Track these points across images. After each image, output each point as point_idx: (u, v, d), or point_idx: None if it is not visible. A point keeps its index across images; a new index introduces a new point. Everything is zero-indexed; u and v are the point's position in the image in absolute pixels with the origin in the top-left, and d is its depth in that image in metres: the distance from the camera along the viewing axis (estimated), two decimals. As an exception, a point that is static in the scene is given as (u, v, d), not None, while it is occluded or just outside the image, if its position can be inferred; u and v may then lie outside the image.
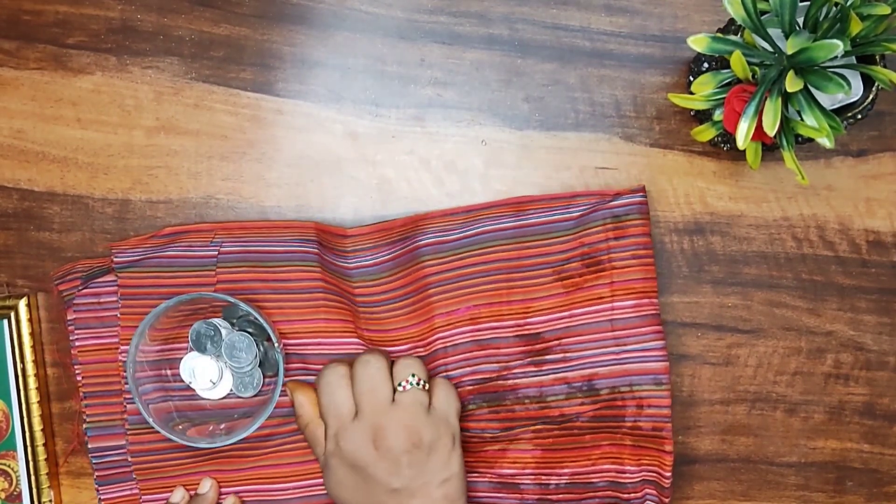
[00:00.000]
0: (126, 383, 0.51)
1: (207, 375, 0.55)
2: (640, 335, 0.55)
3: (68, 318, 0.55)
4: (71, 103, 0.57)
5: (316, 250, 0.55)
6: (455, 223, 0.56)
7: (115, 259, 0.55)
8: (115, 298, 0.55)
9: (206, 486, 0.55)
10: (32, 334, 0.57)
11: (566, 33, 0.58)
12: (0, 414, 0.57)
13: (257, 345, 0.54)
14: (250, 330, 0.55)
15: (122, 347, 0.55)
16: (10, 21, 0.57)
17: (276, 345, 0.52)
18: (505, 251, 0.55)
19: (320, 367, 0.54)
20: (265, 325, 0.52)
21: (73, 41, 0.57)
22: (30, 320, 0.57)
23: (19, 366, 0.56)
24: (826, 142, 0.47)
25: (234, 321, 0.55)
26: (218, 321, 0.55)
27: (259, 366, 0.55)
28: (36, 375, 0.56)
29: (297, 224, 0.56)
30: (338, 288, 0.56)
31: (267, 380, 0.56)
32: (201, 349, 0.55)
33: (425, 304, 0.56)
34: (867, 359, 0.59)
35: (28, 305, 0.57)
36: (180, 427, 0.53)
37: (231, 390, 0.56)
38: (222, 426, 0.54)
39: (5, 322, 0.56)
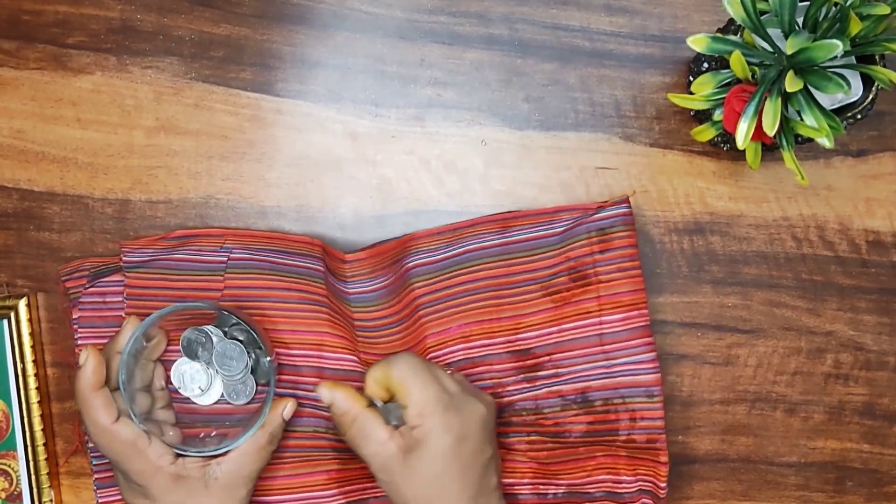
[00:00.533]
0: (118, 385, 0.50)
1: (196, 382, 0.54)
2: (630, 348, 0.54)
3: (73, 316, 0.55)
4: (71, 103, 0.57)
5: (322, 269, 0.56)
6: (442, 242, 0.56)
7: (124, 258, 0.55)
8: (120, 299, 0.55)
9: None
10: (32, 334, 0.57)
11: (566, 33, 0.58)
12: (0, 414, 0.57)
13: (248, 353, 0.54)
14: (241, 338, 0.54)
15: None
16: (10, 21, 0.57)
17: (267, 355, 0.52)
18: (492, 269, 0.55)
19: (313, 379, 0.54)
20: (256, 335, 0.52)
21: (73, 41, 0.57)
22: (30, 320, 0.57)
23: (19, 366, 0.56)
24: (826, 142, 0.47)
25: (226, 329, 0.55)
26: (210, 328, 0.54)
27: (252, 373, 0.55)
28: (36, 375, 0.56)
29: (306, 240, 0.56)
30: (339, 309, 0.56)
31: (259, 388, 0.56)
32: (192, 356, 0.54)
33: (417, 327, 0.56)
34: (867, 359, 0.59)
35: (28, 305, 0.57)
36: (171, 433, 0.53)
37: (222, 396, 0.55)
38: (213, 434, 0.54)
39: (5, 322, 0.56)
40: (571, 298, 0.55)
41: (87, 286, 0.55)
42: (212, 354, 0.54)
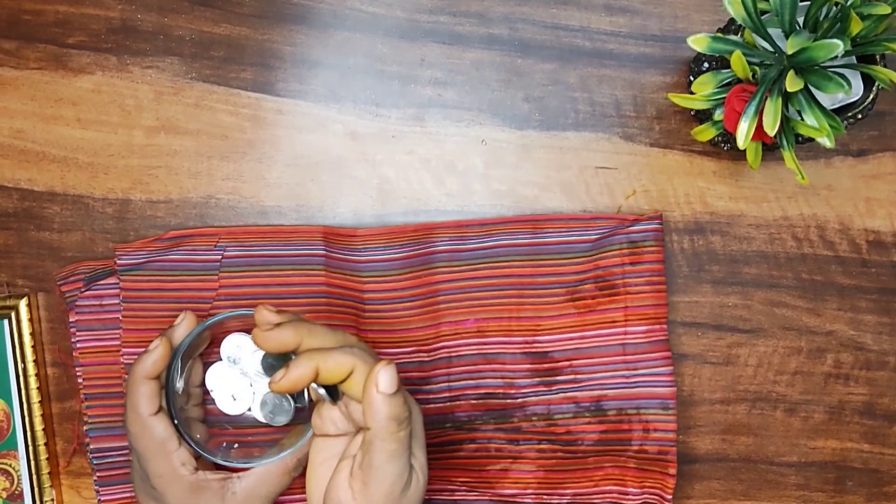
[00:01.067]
0: (166, 381, 0.49)
1: (230, 389, 0.53)
2: (651, 360, 0.55)
3: (70, 319, 0.55)
4: (71, 103, 0.57)
5: (322, 252, 0.55)
6: (471, 234, 0.56)
7: (118, 262, 0.55)
8: (117, 301, 0.55)
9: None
10: (33, 334, 0.57)
11: (566, 33, 0.58)
12: (1, 413, 0.57)
13: None
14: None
15: (124, 350, 0.55)
16: (10, 21, 0.57)
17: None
18: (519, 267, 0.56)
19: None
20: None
21: (74, 41, 0.57)
22: (30, 320, 0.57)
23: (20, 365, 0.56)
24: (826, 141, 0.47)
25: None
26: None
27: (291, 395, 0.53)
28: (37, 375, 0.56)
29: (304, 229, 0.56)
30: (342, 290, 0.56)
31: (297, 406, 0.53)
32: (234, 361, 0.53)
33: (433, 310, 0.56)
34: (867, 359, 0.59)
35: (28, 305, 0.57)
36: (199, 433, 0.52)
37: (249, 409, 0.54)
38: (236, 445, 0.54)
39: (6, 322, 0.56)
40: (596, 307, 0.55)
41: (82, 290, 0.55)
42: (256, 365, 0.52)
